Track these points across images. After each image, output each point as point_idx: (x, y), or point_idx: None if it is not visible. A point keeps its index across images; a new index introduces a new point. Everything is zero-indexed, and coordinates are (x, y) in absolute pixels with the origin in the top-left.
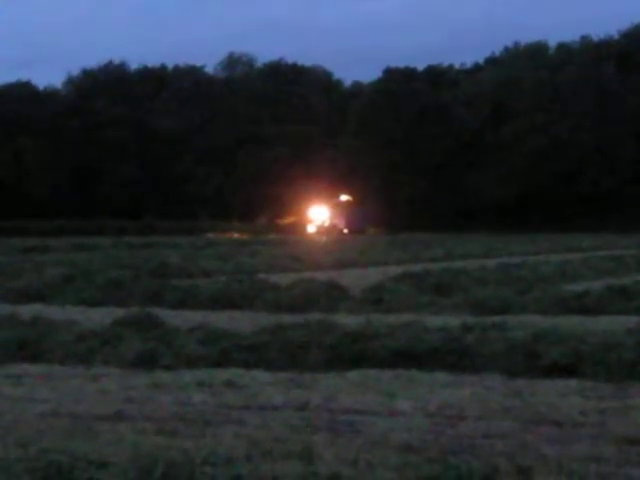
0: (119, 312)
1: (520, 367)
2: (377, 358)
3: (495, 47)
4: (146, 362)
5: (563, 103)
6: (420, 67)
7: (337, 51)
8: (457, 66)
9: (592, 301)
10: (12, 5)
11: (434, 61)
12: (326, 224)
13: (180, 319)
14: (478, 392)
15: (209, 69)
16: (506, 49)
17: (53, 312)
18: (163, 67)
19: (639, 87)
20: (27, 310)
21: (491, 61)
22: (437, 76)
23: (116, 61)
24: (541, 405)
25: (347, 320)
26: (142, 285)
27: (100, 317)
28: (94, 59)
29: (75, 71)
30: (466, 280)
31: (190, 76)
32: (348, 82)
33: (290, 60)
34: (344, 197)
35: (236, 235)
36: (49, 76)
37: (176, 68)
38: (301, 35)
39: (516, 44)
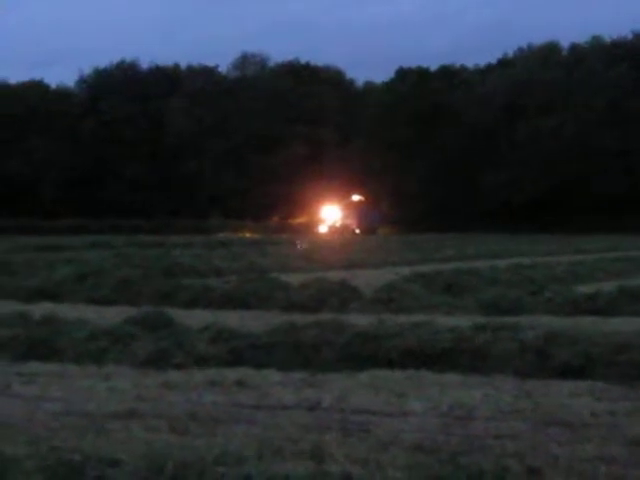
0: (131, 311)
1: (531, 368)
2: (388, 358)
3: (508, 48)
4: (157, 361)
5: (576, 104)
6: (433, 67)
7: (350, 51)
8: (470, 67)
9: (604, 302)
10: (24, 5)
11: (447, 61)
12: (338, 224)
13: (192, 318)
14: (489, 393)
15: (222, 69)
16: (519, 50)
17: (65, 311)
18: (176, 66)
19: None
20: (39, 309)
21: (504, 62)
22: (450, 76)
23: (128, 60)
24: (552, 406)
25: (358, 320)
26: (154, 284)
27: (112, 316)
28: (106, 58)
29: (87, 70)
30: (478, 281)
31: (203, 75)
32: (361, 82)
33: (303, 60)
34: (356, 197)
35: (248, 234)
36: (61, 75)
37: (189, 67)
38: (314, 35)
39: (529, 45)
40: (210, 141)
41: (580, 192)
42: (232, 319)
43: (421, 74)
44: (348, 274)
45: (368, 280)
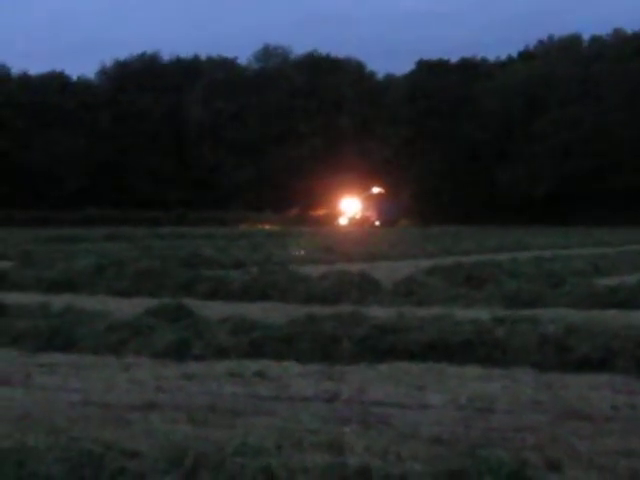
0: (151, 302)
1: (551, 361)
2: (408, 351)
3: (529, 40)
4: (177, 352)
5: (596, 96)
6: (454, 60)
7: (370, 43)
8: (491, 59)
9: (625, 295)
10: None
11: (468, 54)
12: (358, 216)
13: (211, 310)
14: (509, 385)
15: (242, 60)
16: (540, 42)
17: (85, 302)
18: (196, 58)
19: None
20: (59, 300)
21: (525, 54)
22: (471, 69)
23: (149, 52)
24: (572, 399)
25: (378, 312)
26: (174, 275)
27: (132, 307)
28: (128, 50)
29: (108, 62)
30: (498, 273)
31: (222, 67)
32: (381, 74)
33: (323, 51)
34: (376, 189)
35: (268, 226)
36: (82, 67)
37: (209, 59)
38: (334, 27)
39: (550, 37)
40: (229, 133)
41: (600, 184)
42: (252, 311)
43: (442, 66)
44: (368, 266)
45: (388, 272)
